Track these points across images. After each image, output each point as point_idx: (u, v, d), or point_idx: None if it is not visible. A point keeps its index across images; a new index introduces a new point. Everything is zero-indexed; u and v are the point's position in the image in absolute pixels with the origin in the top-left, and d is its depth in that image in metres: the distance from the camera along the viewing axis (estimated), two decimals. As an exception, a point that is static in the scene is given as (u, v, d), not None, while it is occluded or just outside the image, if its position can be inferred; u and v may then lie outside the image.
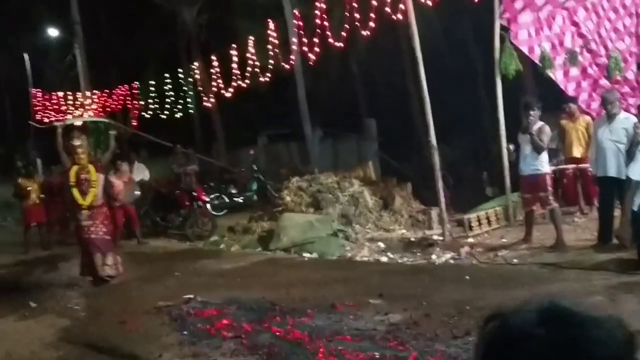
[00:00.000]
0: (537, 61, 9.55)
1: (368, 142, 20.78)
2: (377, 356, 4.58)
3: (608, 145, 7.67)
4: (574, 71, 9.80)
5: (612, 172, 7.64)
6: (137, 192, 12.83)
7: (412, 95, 19.70)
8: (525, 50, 9.43)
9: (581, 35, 9.78)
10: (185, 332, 5.79)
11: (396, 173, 16.30)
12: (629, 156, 7.27)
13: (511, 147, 8.46)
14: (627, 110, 9.82)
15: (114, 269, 8.52)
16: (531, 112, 7.96)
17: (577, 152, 9.67)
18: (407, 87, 20.45)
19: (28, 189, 12.83)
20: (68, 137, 8.82)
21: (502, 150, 9.57)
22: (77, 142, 8.49)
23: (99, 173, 8.59)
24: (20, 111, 23.34)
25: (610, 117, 7.76)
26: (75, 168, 8.45)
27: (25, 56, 22.67)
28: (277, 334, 5.43)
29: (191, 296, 7.18)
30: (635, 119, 7.72)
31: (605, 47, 9.87)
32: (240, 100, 18.44)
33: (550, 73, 9.66)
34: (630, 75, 10.08)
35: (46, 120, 20.13)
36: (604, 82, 9.89)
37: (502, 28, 9.45)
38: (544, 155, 8.11)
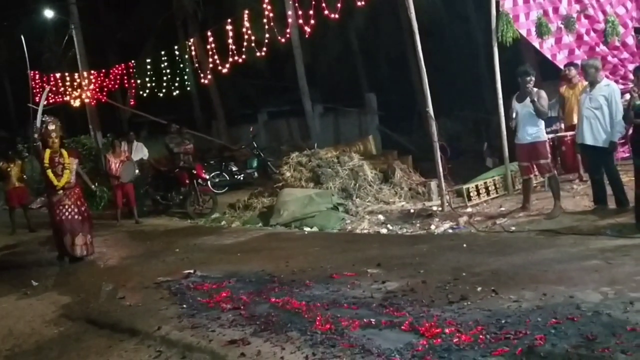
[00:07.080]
0: (520, 30, 9.36)
1: (369, 117, 20.74)
2: (373, 322, 4.60)
3: (586, 113, 7.60)
4: (567, 39, 9.66)
5: (588, 140, 7.59)
6: (137, 171, 12.85)
7: (412, 69, 19.58)
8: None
9: (578, 1, 9.64)
10: (184, 306, 5.81)
11: (397, 146, 16.30)
12: (626, 122, 7.17)
13: (514, 113, 8.34)
14: (625, 77, 9.74)
15: (83, 249, 8.76)
16: (527, 79, 7.88)
17: (576, 119, 9.55)
18: (408, 60, 20.33)
19: (8, 171, 12.91)
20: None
21: (501, 121, 9.51)
22: (51, 127, 8.73)
23: (71, 157, 8.89)
24: (21, 95, 23.25)
25: (591, 85, 7.67)
26: (48, 151, 8.72)
27: (22, 39, 22.49)
28: (275, 304, 5.46)
29: (191, 271, 7.25)
30: (615, 86, 7.67)
31: (604, 12, 9.73)
32: (239, 77, 18.36)
33: (536, 43, 9.52)
34: (630, 40, 9.94)
35: (45, 102, 20.04)
36: (601, 48, 9.75)
37: (499, -6, 9.33)
38: (542, 122, 8.06)
